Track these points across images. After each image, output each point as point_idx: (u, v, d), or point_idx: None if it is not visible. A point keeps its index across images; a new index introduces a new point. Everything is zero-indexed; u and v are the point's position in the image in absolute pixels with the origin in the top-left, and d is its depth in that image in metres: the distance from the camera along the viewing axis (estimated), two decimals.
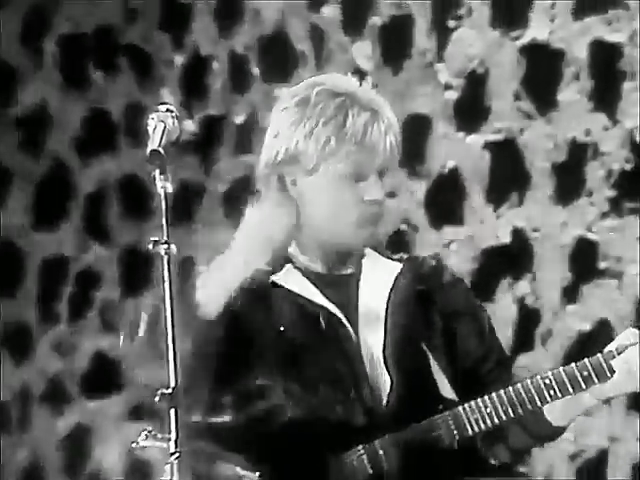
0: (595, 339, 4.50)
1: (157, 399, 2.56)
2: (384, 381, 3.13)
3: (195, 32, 5.52)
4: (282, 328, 3.13)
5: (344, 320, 3.17)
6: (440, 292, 3.29)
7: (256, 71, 5.34)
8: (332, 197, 3.17)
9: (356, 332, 3.16)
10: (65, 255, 5.82)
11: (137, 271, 5.57)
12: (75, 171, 5.82)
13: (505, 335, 4.46)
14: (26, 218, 5.87)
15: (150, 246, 2.68)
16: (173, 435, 2.53)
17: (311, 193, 3.16)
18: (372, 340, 3.18)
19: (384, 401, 3.12)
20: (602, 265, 4.59)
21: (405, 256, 3.29)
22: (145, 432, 2.60)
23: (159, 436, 2.60)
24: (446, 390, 3.19)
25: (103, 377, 5.55)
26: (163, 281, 2.64)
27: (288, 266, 3.17)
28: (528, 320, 4.74)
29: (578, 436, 4.48)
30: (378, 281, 3.26)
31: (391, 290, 3.20)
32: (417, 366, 3.22)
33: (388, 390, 3.10)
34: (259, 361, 3.14)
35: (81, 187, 5.80)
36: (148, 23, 5.68)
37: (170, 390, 2.54)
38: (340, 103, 3.10)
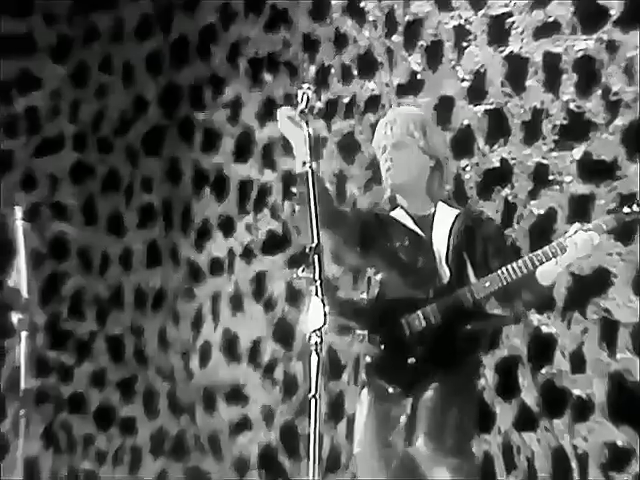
0: (546, 219, 4.83)
1: (307, 250, 3.04)
2: (445, 272, 3.89)
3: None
4: (397, 244, 3.90)
5: (425, 238, 3.92)
6: (479, 226, 3.95)
7: (355, 73, 5.54)
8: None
9: (431, 245, 3.91)
10: None
11: None
12: None
13: (498, 219, 4.85)
14: None
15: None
16: (316, 271, 3.01)
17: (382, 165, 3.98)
18: (440, 250, 3.91)
19: (445, 282, 3.85)
20: (550, 177, 4.91)
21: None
22: (301, 269, 3.01)
23: (308, 271, 3.03)
24: (473, 277, 3.90)
25: (275, 241, 5.76)
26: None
27: (398, 208, 3.96)
28: (509, 210, 5.01)
29: None
30: (444, 219, 3.95)
31: (452, 224, 3.91)
32: (460, 265, 3.92)
33: (448, 278, 3.87)
34: (374, 253, 3.91)
35: None
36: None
37: (314, 245, 3.03)
38: (388, 121, 3.93)
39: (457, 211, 3.96)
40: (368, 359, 3.85)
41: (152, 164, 6.11)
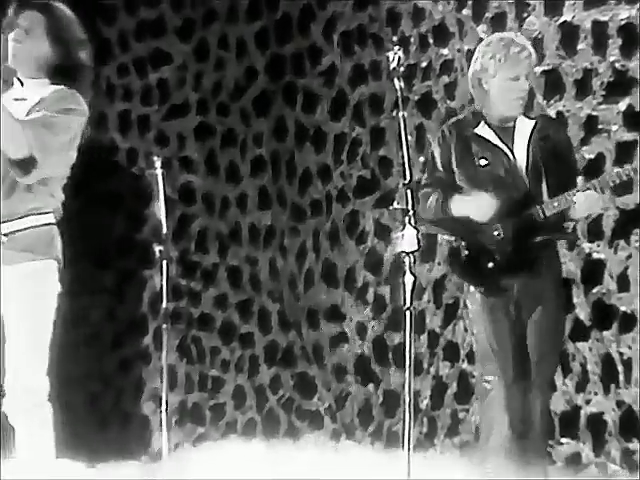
0: (596, 162, 4.71)
1: (401, 186, 3.21)
2: (527, 180, 3.82)
3: None
4: (482, 162, 3.81)
5: (507, 152, 3.82)
6: (555, 134, 3.89)
7: (431, 41, 5.40)
8: (502, 88, 3.83)
9: (514, 156, 3.81)
10: None
11: None
12: None
13: None
14: None
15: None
16: (409, 203, 3.00)
17: (493, 87, 3.84)
18: (521, 160, 3.83)
19: (524, 192, 3.79)
20: (599, 127, 4.81)
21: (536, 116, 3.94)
22: (396, 202, 3.47)
23: (401, 204, 3.05)
24: (545, 193, 3.81)
25: (364, 186, 5.71)
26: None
27: (482, 122, 3.87)
28: None
29: None
30: (524, 130, 3.85)
31: (530, 134, 3.83)
32: (537, 177, 3.83)
33: (528, 185, 3.79)
34: (462, 172, 3.80)
35: None
36: None
37: (407, 181, 3.04)
38: (505, 43, 3.84)
39: (534, 121, 3.87)
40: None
41: (262, 123, 6.07)
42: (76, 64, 3.45)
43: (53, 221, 3.46)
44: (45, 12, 3.41)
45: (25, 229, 3.37)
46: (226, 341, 6.14)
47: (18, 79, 3.47)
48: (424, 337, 5.30)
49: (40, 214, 3.41)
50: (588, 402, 4.78)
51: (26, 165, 3.30)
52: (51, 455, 3.32)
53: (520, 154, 3.83)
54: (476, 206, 3.71)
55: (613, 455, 4.65)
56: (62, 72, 3.44)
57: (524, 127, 3.85)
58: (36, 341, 3.33)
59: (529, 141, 3.81)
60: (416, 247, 2.91)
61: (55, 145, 3.36)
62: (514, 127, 3.82)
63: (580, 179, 3.89)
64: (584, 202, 3.70)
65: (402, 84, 3.07)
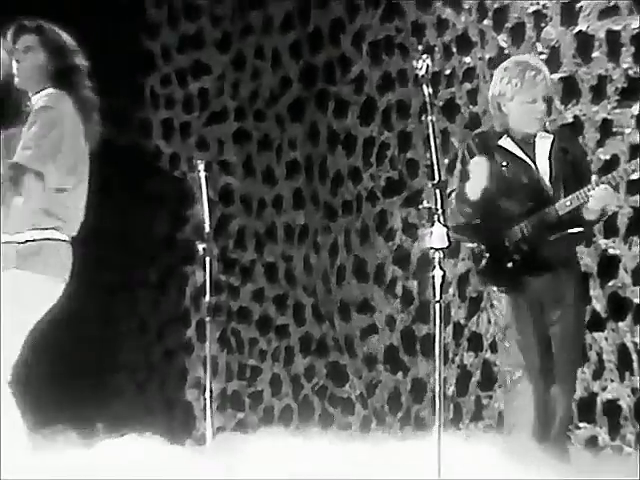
0: (610, 163, 4.66)
1: (430, 186, 3.02)
2: (547, 188, 3.81)
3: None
4: (504, 163, 3.82)
5: (530, 163, 3.83)
6: (571, 146, 3.91)
7: (454, 50, 5.37)
8: (520, 111, 3.84)
9: (537, 168, 3.83)
10: None
11: None
12: None
13: None
14: None
15: None
16: (438, 202, 2.94)
17: (512, 110, 3.85)
18: (543, 172, 3.84)
19: (547, 197, 3.78)
20: (614, 130, 4.79)
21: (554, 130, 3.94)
22: (425, 201, 2.99)
23: (429, 203, 2.95)
24: (562, 196, 3.78)
25: (392, 187, 5.65)
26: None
27: (505, 135, 3.87)
28: None
29: None
30: (544, 144, 3.87)
31: (550, 147, 3.85)
32: (559, 183, 3.82)
33: (550, 192, 3.79)
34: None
35: None
36: None
37: (436, 181, 3.00)
38: (522, 68, 3.81)
39: (552, 136, 3.87)
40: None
41: (296, 128, 6.08)
42: (70, 66, 3.56)
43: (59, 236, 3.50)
44: (37, 31, 3.60)
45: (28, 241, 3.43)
46: (263, 332, 6.14)
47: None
48: (450, 328, 5.30)
49: (43, 229, 3.46)
50: (604, 389, 4.77)
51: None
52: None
53: (543, 166, 3.85)
54: (473, 175, 3.67)
55: (628, 438, 4.65)
56: (58, 76, 3.55)
57: (544, 142, 3.87)
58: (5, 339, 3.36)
59: (549, 154, 3.84)
60: (446, 244, 2.88)
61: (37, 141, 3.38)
62: (534, 142, 3.85)
63: (594, 177, 3.88)
64: (599, 196, 3.70)
65: (430, 90, 3.06)
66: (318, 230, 5.95)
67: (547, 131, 3.89)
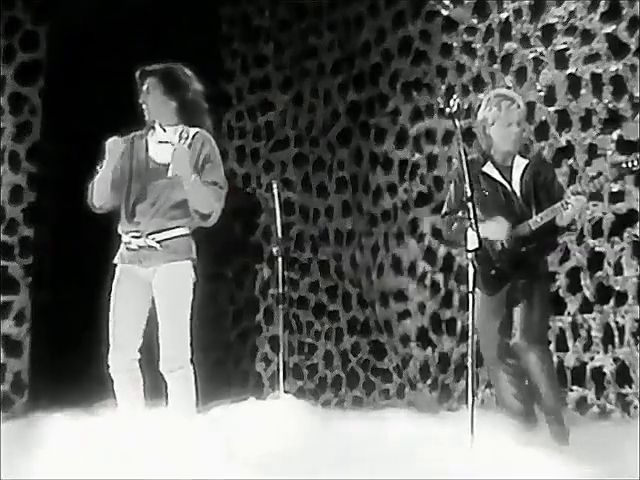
0: (596, 178, 4.20)
1: (464, 199, 2.91)
2: (521, 205, 3.76)
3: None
4: (485, 191, 3.72)
5: (507, 185, 3.77)
6: (544, 170, 3.80)
7: (471, 89, 5.43)
8: (500, 133, 3.82)
9: (512, 187, 3.77)
10: None
11: None
12: None
13: (566, 181, 4.75)
14: None
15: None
16: (471, 213, 2.86)
17: (493, 132, 3.84)
18: (517, 190, 3.78)
19: (519, 214, 3.69)
20: (598, 152, 4.83)
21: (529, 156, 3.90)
22: (460, 212, 3.05)
23: (463, 214, 2.99)
24: (534, 213, 3.65)
25: (422, 198, 5.65)
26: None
27: (488, 162, 3.80)
28: (572, 173, 4.89)
29: None
30: (519, 167, 3.80)
31: (523, 171, 3.77)
32: (530, 202, 3.74)
33: (523, 208, 3.70)
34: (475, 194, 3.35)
35: None
36: None
37: (468, 195, 2.92)
38: (500, 98, 3.81)
39: (527, 160, 3.77)
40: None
41: (343, 152, 6.06)
42: (195, 108, 3.61)
43: (189, 232, 3.68)
44: (158, 75, 3.63)
45: (171, 238, 3.62)
46: (318, 317, 6.16)
47: (160, 125, 3.65)
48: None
49: (179, 227, 3.66)
50: (592, 359, 4.83)
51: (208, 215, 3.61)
52: (192, 405, 3.49)
53: (516, 186, 3.77)
54: (494, 229, 3.61)
55: (610, 398, 4.71)
56: (187, 115, 3.62)
57: (519, 165, 3.80)
58: (181, 321, 3.52)
59: (522, 175, 3.77)
60: (477, 245, 2.87)
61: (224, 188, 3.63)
62: (512, 165, 3.80)
63: (570, 189, 3.87)
64: (575, 204, 3.63)
65: (461, 123, 3.10)
66: (362, 234, 5.95)
67: (523, 156, 3.82)
